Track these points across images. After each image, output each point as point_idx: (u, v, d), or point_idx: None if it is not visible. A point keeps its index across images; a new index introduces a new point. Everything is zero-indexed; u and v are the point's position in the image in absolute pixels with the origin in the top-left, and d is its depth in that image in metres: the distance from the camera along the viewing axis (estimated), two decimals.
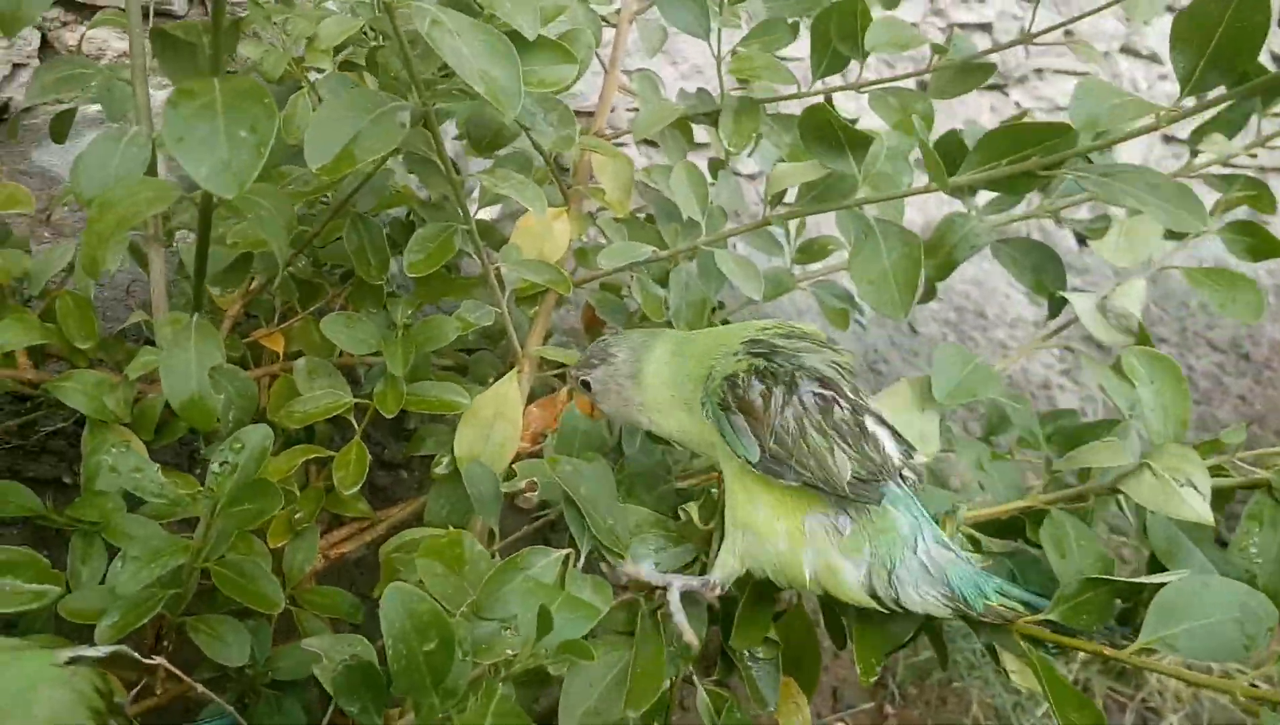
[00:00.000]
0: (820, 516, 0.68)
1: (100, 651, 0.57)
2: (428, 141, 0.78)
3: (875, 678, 0.71)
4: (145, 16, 0.86)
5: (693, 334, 0.79)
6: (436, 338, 0.89)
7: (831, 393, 0.68)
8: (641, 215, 1.11)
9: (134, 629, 0.72)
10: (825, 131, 0.74)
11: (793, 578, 0.69)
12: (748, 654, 0.75)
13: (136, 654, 0.59)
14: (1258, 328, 2.37)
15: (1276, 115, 0.89)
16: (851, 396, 0.69)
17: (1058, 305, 1.00)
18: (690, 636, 0.69)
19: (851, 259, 0.77)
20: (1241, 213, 0.98)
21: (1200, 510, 0.69)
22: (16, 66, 1.74)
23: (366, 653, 0.63)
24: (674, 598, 0.70)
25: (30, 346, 0.90)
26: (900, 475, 0.70)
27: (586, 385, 0.79)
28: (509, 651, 0.63)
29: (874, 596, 0.68)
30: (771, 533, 0.69)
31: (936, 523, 0.70)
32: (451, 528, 0.86)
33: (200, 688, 0.66)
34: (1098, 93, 0.74)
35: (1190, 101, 0.70)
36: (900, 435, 0.71)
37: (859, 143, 0.75)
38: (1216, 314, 1.19)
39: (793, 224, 1.06)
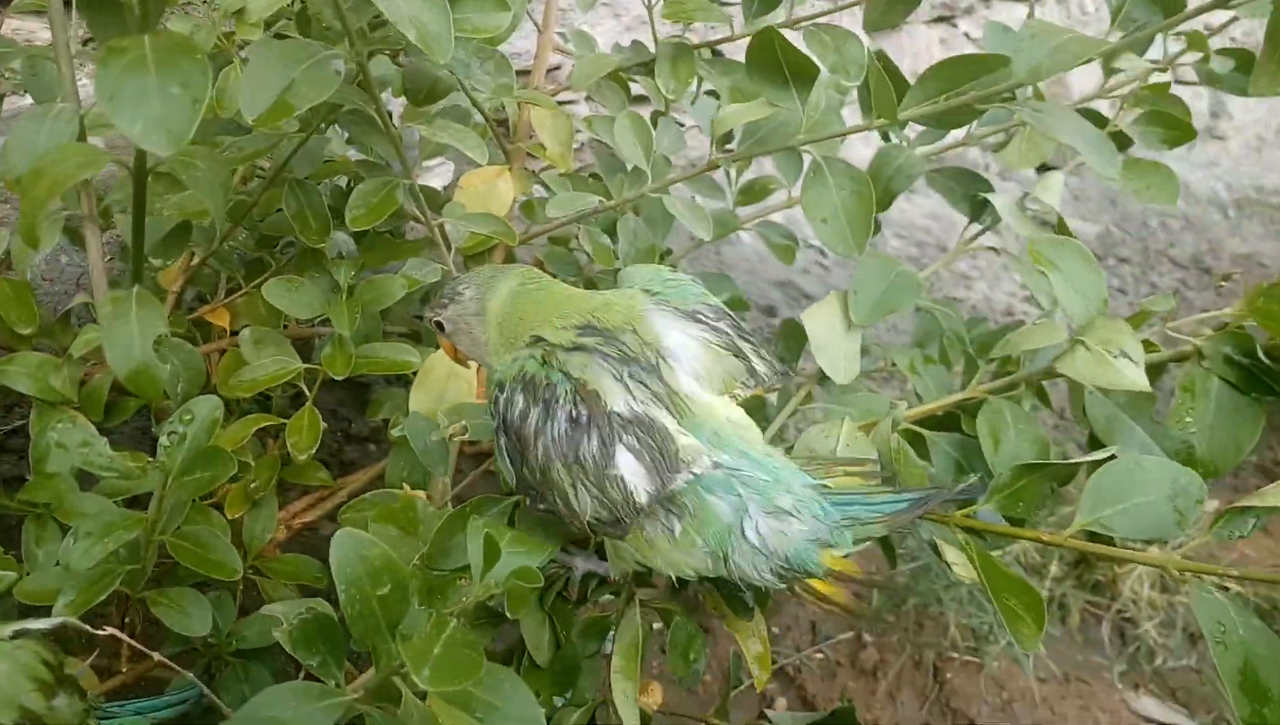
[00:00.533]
0: (650, 523, 0.65)
1: (45, 623, 0.56)
2: (363, 96, 0.77)
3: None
4: None
5: (544, 281, 0.74)
6: (383, 297, 0.88)
7: (587, 418, 0.62)
8: (585, 174, 1.11)
9: (93, 607, 0.71)
10: (771, 59, 0.73)
11: (661, 572, 0.68)
12: None
13: (87, 626, 0.59)
14: (1217, 242, 2.42)
15: (1180, 34, 0.90)
16: (614, 416, 0.63)
17: (978, 208, 1.01)
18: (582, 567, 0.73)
19: (803, 196, 0.78)
20: None
21: (1136, 378, 0.70)
22: None
23: (323, 608, 0.62)
24: (577, 564, 0.73)
25: None
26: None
27: (440, 326, 0.76)
28: (463, 599, 0.63)
29: (726, 577, 0.66)
30: (620, 545, 0.67)
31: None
32: (409, 488, 0.87)
33: (160, 658, 0.65)
34: (1043, 36, 0.73)
35: (1117, 35, 0.71)
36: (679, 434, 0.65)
37: (803, 75, 0.75)
38: (1176, 231, 1.21)
39: (733, 167, 1.06)
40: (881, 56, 0.70)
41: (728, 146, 0.92)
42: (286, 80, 0.68)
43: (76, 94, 0.90)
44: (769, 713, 0.93)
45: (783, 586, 0.66)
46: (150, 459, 0.81)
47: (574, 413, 0.63)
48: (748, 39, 0.96)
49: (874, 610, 1.33)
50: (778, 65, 0.74)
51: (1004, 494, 0.67)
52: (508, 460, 0.65)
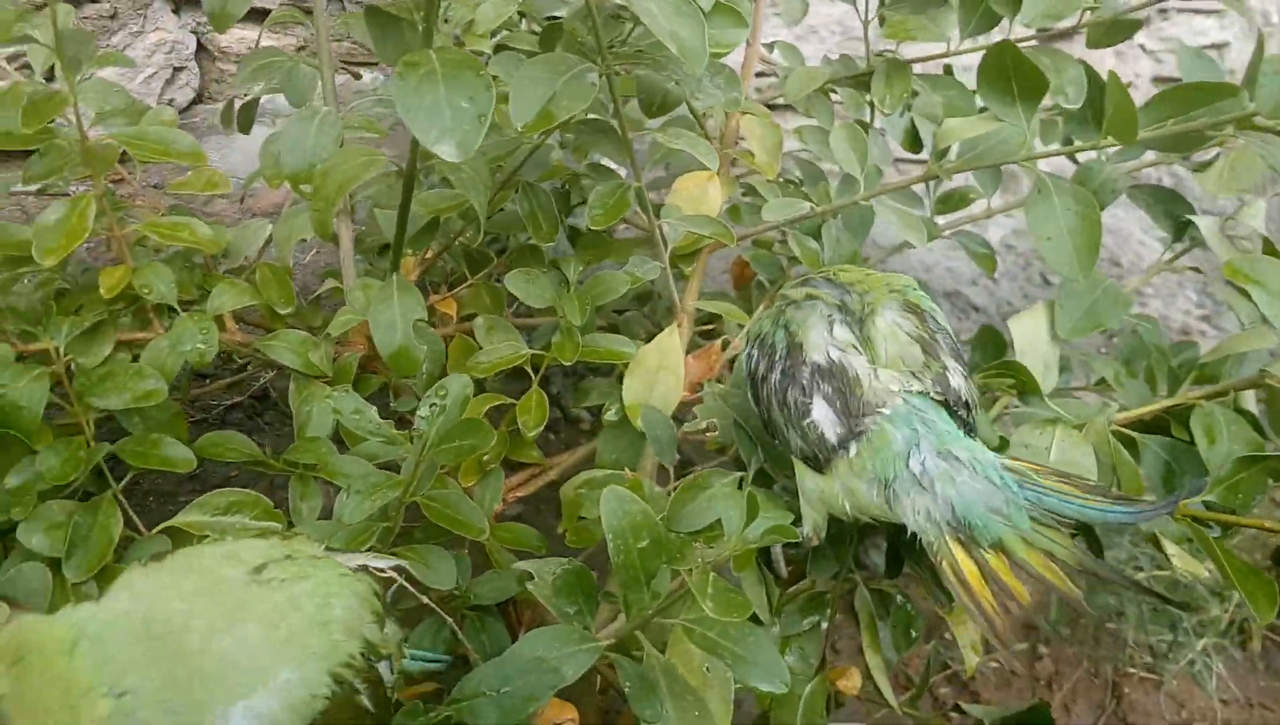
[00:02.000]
0: (838, 453, 0.71)
1: (383, 562, 0.64)
2: (605, 106, 0.84)
3: None
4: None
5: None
6: (608, 291, 0.95)
7: (793, 369, 0.73)
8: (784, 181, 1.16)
9: None
10: (1002, 73, 0.77)
11: (837, 509, 0.73)
12: None
13: (388, 569, 0.67)
14: None
15: None
16: (814, 367, 0.72)
17: (1180, 229, 1.01)
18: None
19: (1028, 214, 0.80)
20: None
21: None
22: (176, 70, 1.87)
23: (577, 565, 0.69)
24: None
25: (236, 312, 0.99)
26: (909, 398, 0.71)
27: None
28: (699, 558, 0.69)
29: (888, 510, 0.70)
30: (804, 473, 0.74)
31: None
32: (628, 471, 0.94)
33: (427, 601, 0.73)
34: None
35: None
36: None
37: (1032, 91, 0.78)
38: None
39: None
40: (1113, 78, 0.73)
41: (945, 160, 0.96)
42: (550, 92, 0.75)
43: (336, 97, 1.00)
44: (963, 704, 0.96)
45: (931, 531, 0.67)
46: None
47: (786, 365, 0.74)
48: (948, 57, 1.00)
49: (1051, 622, 1.34)
50: (1007, 80, 0.78)
51: (1224, 486, 0.69)
52: (752, 403, 0.78)
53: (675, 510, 0.73)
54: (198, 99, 1.84)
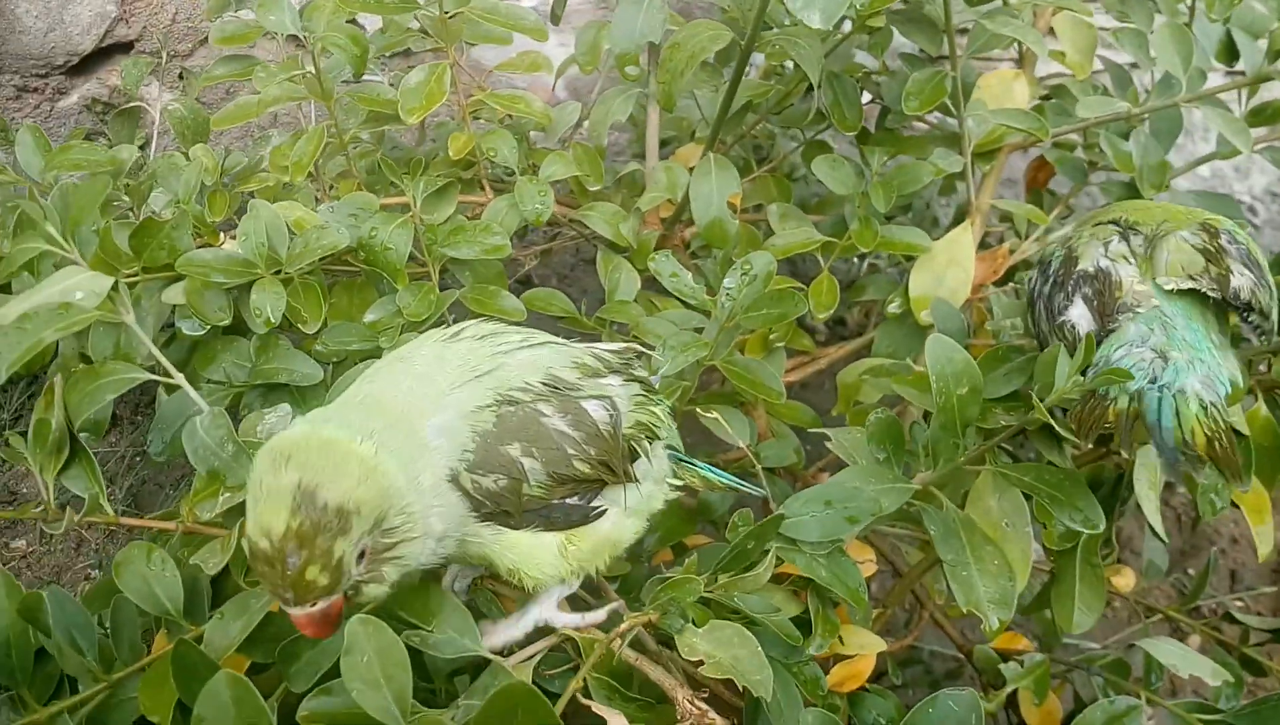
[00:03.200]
0: None
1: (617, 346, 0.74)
2: None
3: None
4: None
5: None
6: (912, 181, 0.98)
7: (1063, 279, 0.77)
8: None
9: None
10: None
11: None
12: None
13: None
14: None
15: None
16: (1080, 273, 0.76)
17: None
18: None
19: None
20: None
21: None
22: None
23: (889, 416, 0.74)
24: None
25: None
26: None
27: None
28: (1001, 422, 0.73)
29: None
30: None
31: None
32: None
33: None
34: None
35: None
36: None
37: None
38: None
39: (1246, 89, 1.05)
40: None
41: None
42: None
43: None
44: (1235, 613, 0.96)
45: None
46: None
47: (1059, 277, 0.78)
48: None
49: None
50: None
51: None
52: (1029, 323, 0.82)
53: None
54: None
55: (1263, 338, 0.76)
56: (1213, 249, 0.74)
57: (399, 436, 0.57)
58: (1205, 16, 0.99)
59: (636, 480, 0.67)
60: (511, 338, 0.67)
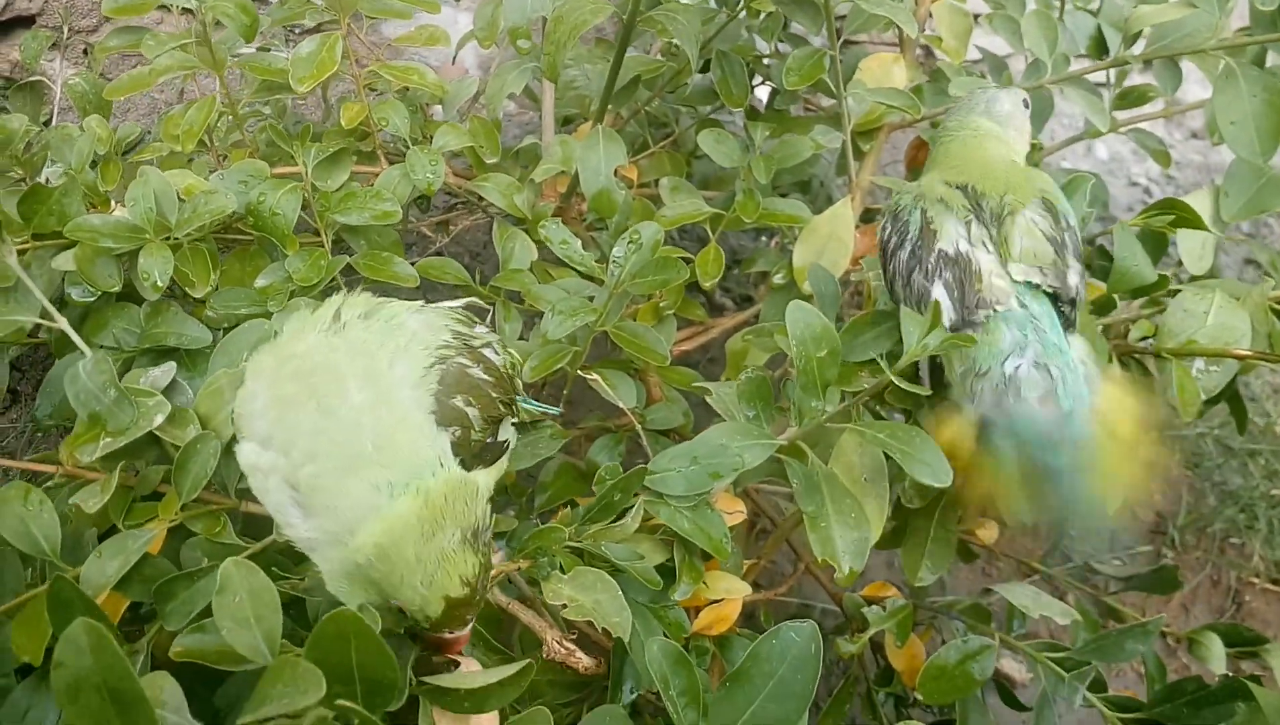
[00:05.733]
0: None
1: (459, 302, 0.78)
2: None
3: None
4: None
5: (983, 135, 0.88)
6: (793, 155, 1.02)
7: (922, 252, 0.78)
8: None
9: (548, 374, 0.91)
10: None
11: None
12: None
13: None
14: None
15: None
16: (941, 254, 0.77)
17: None
18: None
19: (1214, 99, 0.83)
20: None
21: None
22: None
23: (761, 373, 0.78)
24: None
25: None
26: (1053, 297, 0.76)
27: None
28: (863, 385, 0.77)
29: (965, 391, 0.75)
30: None
31: None
32: None
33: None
34: None
35: None
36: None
37: None
38: None
39: (1112, 72, 1.12)
40: None
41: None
42: None
43: None
44: (1094, 563, 1.02)
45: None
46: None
47: (916, 246, 0.79)
48: None
49: (1178, 527, 1.37)
50: None
51: None
52: (880, 270, 0.83)
53: (846, 341, 0.81)
54: None
55: (1069, 328, 0.79)
56: (1058, 238, 0.78)
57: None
58: (1073, 5, 1.05)
59: (517, 412, 0.72)
60: (392, 307, 0.70)
